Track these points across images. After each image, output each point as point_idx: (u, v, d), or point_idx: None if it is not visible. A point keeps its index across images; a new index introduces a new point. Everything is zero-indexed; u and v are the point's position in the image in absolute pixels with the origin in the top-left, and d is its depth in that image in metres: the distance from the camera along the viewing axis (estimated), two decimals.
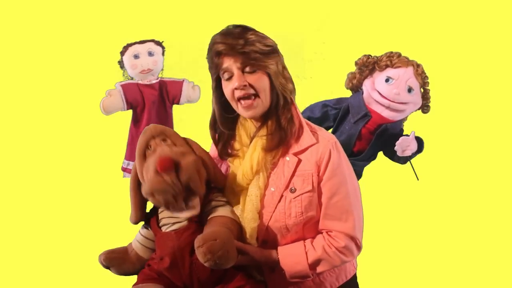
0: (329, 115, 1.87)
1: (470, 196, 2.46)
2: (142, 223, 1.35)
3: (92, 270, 1.92)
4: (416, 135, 1.78)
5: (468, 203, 2.46)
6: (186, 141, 1.28)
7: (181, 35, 2.46)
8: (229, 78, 1.22)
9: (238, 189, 1.28)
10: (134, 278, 1.31)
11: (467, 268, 2.36)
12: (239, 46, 1.18)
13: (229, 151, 1.32)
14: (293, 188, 1.25)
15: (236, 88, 1.21)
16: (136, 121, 2.19)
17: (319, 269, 1.25)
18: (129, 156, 2.15)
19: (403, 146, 1.74)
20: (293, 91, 1.28)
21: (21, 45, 2.57)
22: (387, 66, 1.79)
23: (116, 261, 1.31)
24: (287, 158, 1.26)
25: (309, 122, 1.33)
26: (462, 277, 2.33)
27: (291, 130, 1.25)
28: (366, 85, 1.82)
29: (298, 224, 1.25)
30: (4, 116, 2.58)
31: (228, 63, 1.20)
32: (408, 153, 1.75)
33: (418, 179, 1.84)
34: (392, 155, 1.84)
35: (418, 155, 1.83)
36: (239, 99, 1.23)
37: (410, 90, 1.77)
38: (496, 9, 2.41)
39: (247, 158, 1.26)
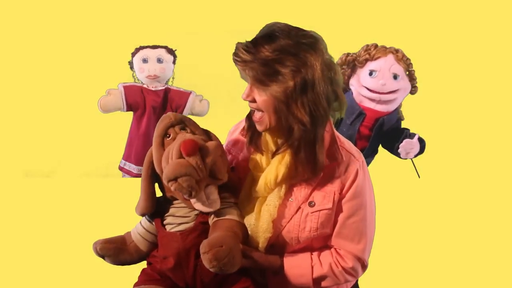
0: None
1: (472, 197, 2.44)
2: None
3: (92, 270, 1.81)
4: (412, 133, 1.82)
5: (470, 204, 2.44)
6: (205, 131, 1.24)
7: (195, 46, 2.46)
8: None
9: (256, 195, 1.23)
10: (134, 278, 1.23)
11: (468, 272, 2.31)
12: (248, 62, 1.09)
13: (258, 144, 1.23)
14: (312, 202, 1.21)
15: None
16: (136, 124, 2.14)
17: (323, 284, 1.23)
18: (127, 156, 2.11)
19: (406, 148, 1.76)
20: (307, 123, 1.11)
21: (25, 43, 2.51)
22: (367, 60, 1.80)
23: (113, 251, 1.24)
24: None
25: (339, 135, 1.28)
26: (463, 282, 2.30)
27: (316, 168, 1.16)
28: (353, 84, 1.84)
29: (310, 238, 1.22)
30: (4, 115, 2.49)
31: (243, 72, 1.12)
32: (411, 155, 1.78)
33: (419, 177, 1.84)
34: (392, 148, 1.85)
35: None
36: (253, 116, 1.17)
37: (395, 77, 1.78)
38: (496, 9, 2.46)
39: (273, 168, 1.19)
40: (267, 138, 1.23)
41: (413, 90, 1.85)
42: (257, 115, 1.15)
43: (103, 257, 1.24)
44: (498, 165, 2.49)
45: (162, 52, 2.21)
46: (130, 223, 1.33)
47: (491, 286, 2.29)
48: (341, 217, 1.22)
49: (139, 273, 1.24)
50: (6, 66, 2.49)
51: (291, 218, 1.21)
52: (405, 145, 1.77)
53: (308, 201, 1.21)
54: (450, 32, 2.42)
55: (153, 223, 1.25)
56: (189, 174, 1.09)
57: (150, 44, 2.19)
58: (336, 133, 1.27)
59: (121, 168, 2.11)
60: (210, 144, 1.15)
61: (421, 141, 1.81)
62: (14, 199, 2.43)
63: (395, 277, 2.24)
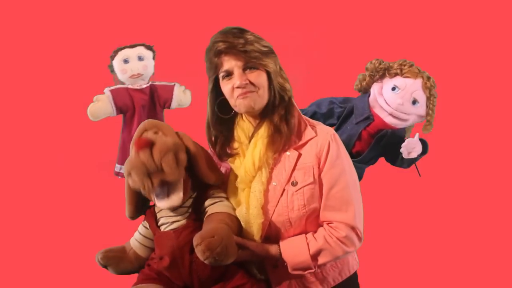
0: (334, 112, 1.85)
1: (471, 195, 2.45)
2: (140, 222, 1.33)
3: (90, 271, 1.87)
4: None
5: (469, 202, 2.45)
6: (178, 134, 1.27)
7: (172, 39, 2.44)
8: (229, 77, 1.24)
9: (241, 186, 1.29)
10: (133, 278, 1.28)
11: (468, 266, 2.35)
12: (240, 45, 1.20)
13: (228, 151, 1.32)
14: (294, 182, 1.25)
15: (237, 87, 1.22)
16: (126, 126, 2.16)
17: (320, 259, 1.24)
18: (121, 160, 2.12)
19: (408, 148, 1.74)
20: (290, 90, 1.30)
21: (9, 48, 2.52)
22: (396, 74, 1.77)
23: (114, 260, 1.29)
24: (288, 153, 1.27)
25: (307, 118, 1.35)
26: (463, 276, 2.33)
27: (291, 126, 1.27)
28: (374, 89, 1.81)
29: (301, 218, 1.25)
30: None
31: (229, 62, 1.22)
32: (413, 155, 1.74)
33: (420, 176, 1.83)
34: (394, 161, 1.83)
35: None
36: (238, 97, 1.24)
37: (414, 102, 1.75)
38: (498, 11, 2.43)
39: (249, 155, 1.27)
40: (239, 133, 1.31)
41: (426, 125, 1.81)
42: (250, 94, 1.23)
43: (105, 267, 1.30)
44: (498, 163, 2.47)
45: (141, 50, 2.19)
46: (130, 227, 1.38)
47: (492, 285, 2.30)
48: (324, 189, 1.26)
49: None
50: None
51: (278, 201, 1.25)
52: (407, 144, 1.74)
53: (291, 181, 1.25)
54: (455, 34, 2.41)
55: (149, 227, 1.29)
56: (137, 167, 1.14)
57: (127, 44, 2.18)
58: (304, 116, 1.34)
59: (117, 173, 2.13)
60: (164, 140, 1.19)
61: (423, 142, 1.78)
62: (11, 201, 2.47)
63: (396, 275, 2.27)
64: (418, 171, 1.83)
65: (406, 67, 1.77)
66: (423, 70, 1.79)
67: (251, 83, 1.22)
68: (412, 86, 1.74)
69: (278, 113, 1.27)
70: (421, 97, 1.75)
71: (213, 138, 1.34)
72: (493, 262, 2.37)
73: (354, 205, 1.26)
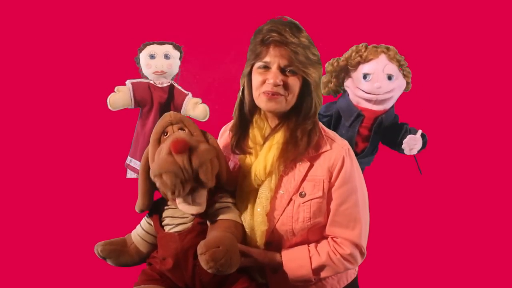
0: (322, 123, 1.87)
1: (472, 195, 2.42)
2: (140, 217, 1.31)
3: (93, 269, 1.85)
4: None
5: (470, 202, 2.41)
6: (204, 133, 1.26)
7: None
8: (266, 69, 1.20)
9: (248, 189, 1.26)
10: (134, 279, 1.27)
11: (468, 266, 2.32)
12: (293, 45, 1.17)
13: (243, 147, 1.29)
14: (303, 193, 1.24)
15: (270, 84, 1.19)
16: (142, 120, 2.17)
17: (322, 274, 1.24)
18: (133, 153, 2.12)
19: (410, 144, 1.76)
20: (321, 105, 1.29)
21: (30, 41, 2.53)
22: (359, 62, 1.76)
23: (114, 253, 1.27)
24: (299, 162, 1.25)
25: (323, 127, 1.33)
26: (463, 277, 2.30)
27: (311, 143, 1.25)
28: (349, 86, 1.81)
29: (304, 229, 1.24)
30: (8, 112, 2.51)
31: (273, 55, 1.18)
32: (415, 151, 1.77)
33: (421, 173, 1.83)
34: (392, 143, 1.84)
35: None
36: (265, 92, 1.21)
37: (390, 77, 1.74)
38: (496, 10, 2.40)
39: (261, 158, 1.24)
40: (255, 132, 1.28)
41: (407, 87, 1.83)
42: (276, 96, 1.19)
43: (104, 258, 1.28)
44: (498, 162, 2.44)
45: (169, 48, 2.21)
46: (132, 222, 1.37)
47: (494, 285, 2.28)
48: (333, 205, 1.24)
49: (139, 274, 1.28)
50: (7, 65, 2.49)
51: (283, 210, 1.24)
52: (408, 141, 1.76)
53: (299, 192, 1.24)
54: (446, 26, 2.36)
55: (152, 224, 1.28)
56: (173, 172, 1.09)
57: (157, 41, 2.21)
58: (321, 124, 1.31)
59: (127, 165, 2.13)
60: (202, 146, 1.15)
61: (423, 136, 1.80)
62: (15, 195, 2.44)
63: (396, 279, 2.24)
64: (419, 169, 1.83)
65: (363, 50, 1.75)
66: (380, 45, 1.78)
67: (284, 85, 1.19)
68: (379, 65, 1.74)
69: (304, 126, 1.24)
70: (393, 70, 1.75)
71: (239, 124, 1.30)
72: (493, 263, 2.34)
73: (361, 223, 1.25)
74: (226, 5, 2.41)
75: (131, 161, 2.11)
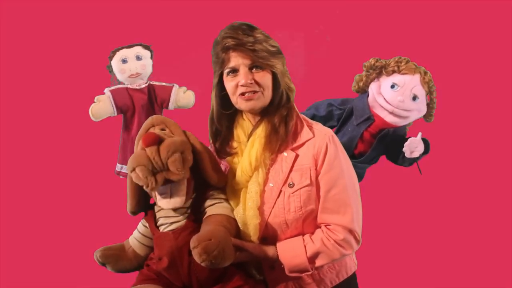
0: (334, 115, 1.86)
1: (472, 195, 2.46)
2: (139, 219, 1.35)
3: (90, 270, 1.91)
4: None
5: (470, 202, 2.46)
6: (185, 132, 1.28)
7: (171, 38, 2.45)
8: (234, 74, 1.24)
9: (238, 187, 1.30)
10: (132, 278, 1.31)
11: (468, 266, 2.37)
12: (249, 44, 1.20)
13: (227, 149, 1.33)
14: (291, 183, 1.26)
15: (242, 85, 1.22)
16: (126, 126, 2.18)
17: (318, 262, 1.25)
18: (122, 159, 2.14)
19: (411, 147, 1.75)
20: (294, 90, 1.32)
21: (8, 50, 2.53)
22: (394, 71, 1.77)
23: (113, 258, 1.31)
24: (285, 154, 1.28)
25: (306, 117, 1.36)
26: (462, 275, 2.35)
27: (289, 128, 1.27)
28: (372, 89, 1.82)
29: (298, 219, 1.26)
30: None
31: (236, 59, 1.22)
32: (416, 154, 1.76)
33: (421, 173, 1.84)
34: (395, 159, 1.85)
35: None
36: (241, 94, 1.24)
37: (415, 98, 1.75)
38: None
39: (246, 155, 1.28)
40: (239, 132, 1.33)
41: (429, 118, 1.84)
42: (253, 95, 1.24)
43: (104, 264, 1.32)
44: (498, 162, 2.46)
45: (139, 49, 2.20)
46: (130, 227, 1.40)
47: (491, 284, 2.32)
48: (322, 192, 1.27)
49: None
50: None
51: (275, 203, 1.27)
52: (409, 144, 1.75)
53: (287, 183, 1.26)
54: (449, 30, 2.40)
55: (148, 226, 1.31)
56: (143, 164, 1.12)
57: (125, 45, 2.20)
58: (302, 115, 1.34)
59: (118, 173, 2.15)
60: (173, 138, 1.18)
61: (425, 141, 1.79)
62: (14, 199, 2.49)
63: (395, 275, 2.29)
64: (419, 169, 1.84)
65: (403, 64, 1.77)
66: (420, 67, 1.79)
67: (256, 82, 1.23)
68: (411, 82, 1.75)
69: (280, 114, 1.28)
70: (421, 92, 1.76)
71: (214, 133, 1.35)
72: (493, 263, 2.39)
73: (352, 208, 1.27)
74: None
75: (122, 168, 2.13)
